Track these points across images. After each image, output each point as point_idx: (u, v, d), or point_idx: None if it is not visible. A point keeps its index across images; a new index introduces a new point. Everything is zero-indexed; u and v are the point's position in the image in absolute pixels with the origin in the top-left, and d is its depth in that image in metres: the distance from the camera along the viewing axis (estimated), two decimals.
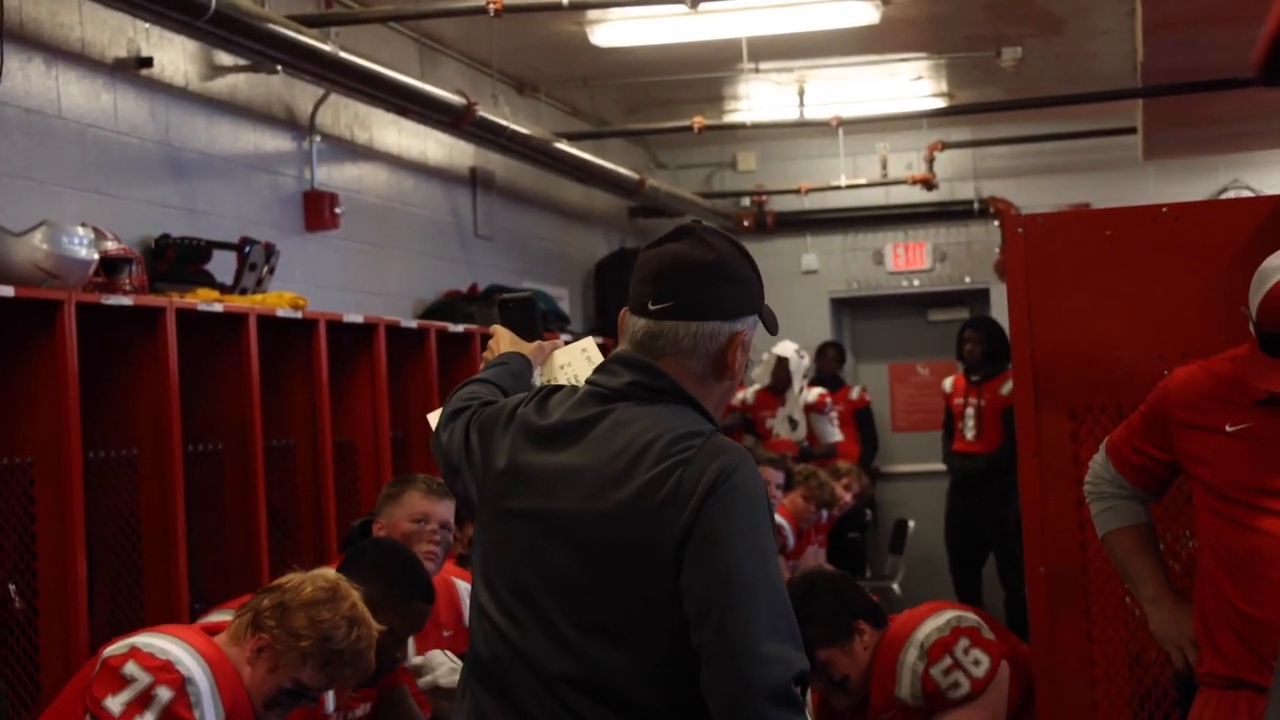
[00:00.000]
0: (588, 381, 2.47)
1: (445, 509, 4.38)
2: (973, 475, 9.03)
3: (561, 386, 2.53)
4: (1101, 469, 3.43)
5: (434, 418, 2.92)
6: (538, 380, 2.93)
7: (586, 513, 2.32)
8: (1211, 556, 3.19)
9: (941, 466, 9.44)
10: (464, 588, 4.61)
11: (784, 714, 2.20)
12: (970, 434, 9.10)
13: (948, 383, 9.54)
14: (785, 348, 9.90)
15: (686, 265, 2.38)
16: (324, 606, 3.28)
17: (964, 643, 3.76)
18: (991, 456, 8.97)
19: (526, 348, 2.93)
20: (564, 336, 7.86)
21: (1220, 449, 3.15)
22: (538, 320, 3.03)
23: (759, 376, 10.10)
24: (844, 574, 4.11)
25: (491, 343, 2.98)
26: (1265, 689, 3.05)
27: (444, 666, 3.84)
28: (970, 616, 3.86)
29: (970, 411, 9.14)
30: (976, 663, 3.76)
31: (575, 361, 2.97)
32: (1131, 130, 9.58)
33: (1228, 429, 3.13)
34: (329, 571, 3.48)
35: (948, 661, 3.75)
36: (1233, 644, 3.14)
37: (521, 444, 2.43)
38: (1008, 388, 9.12)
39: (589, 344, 3.01)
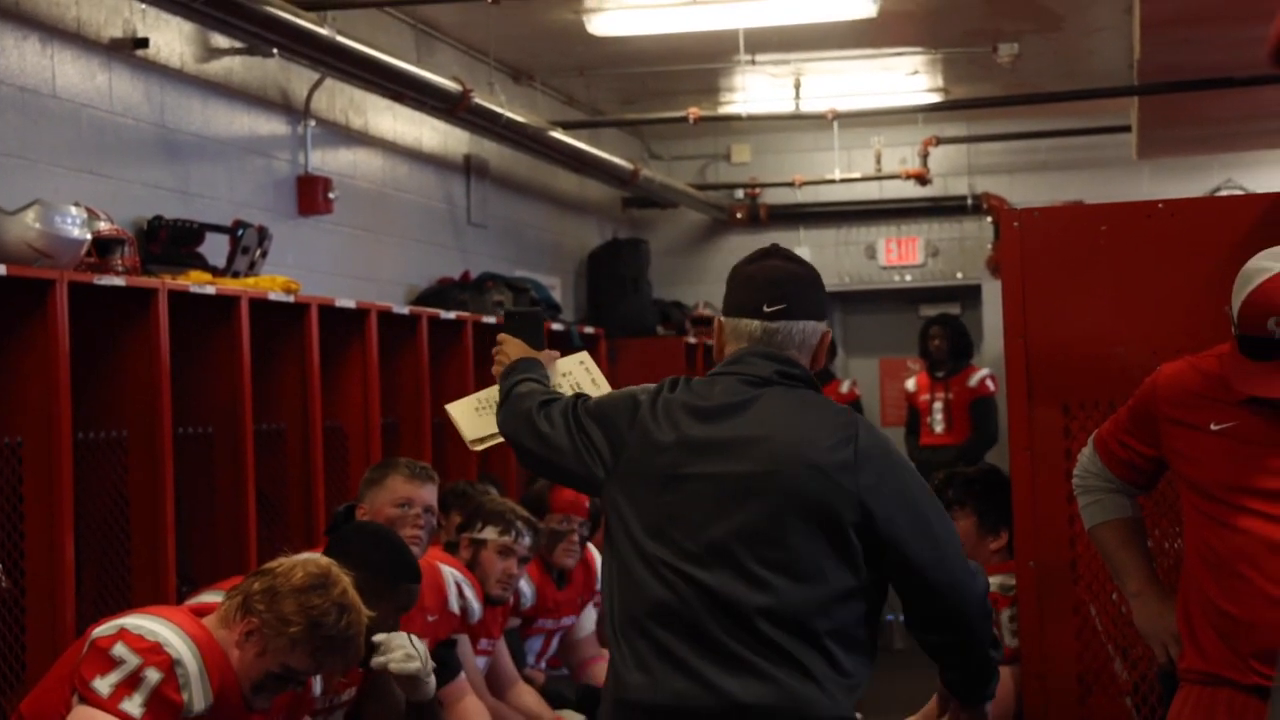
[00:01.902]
0: (730, 371, 2.92)
1: (428, 493, 4.38)
2: (946, 466, 9.21)
3: (694, 378, 2.96)
4: (1089, 462, 3.43)
5: (456, 410, 3.32)
6: None
7: (770, 473, 2.81)
8: (1195, 553, 3.20)
9: None
10: (449, 573, 4.61)
11: (988, 610, 2.95)
12: (939, 427, 9.50)
13: (910, 382, 9.90)
14: None
15: (792, 276, 2.96)
16: (315, 593, 3.27)
17: (1011, 611, 3.77)
18: (962, 447, 9.34)
19: (537, 356, 3.24)
20: (555, 326, 7.85)
21: (1205, 446, 3.14)
22: (542, 330, 3.31)
23: None
24: None
25: (505, 348, 3.26)
26: (1244, 686, 3.06)
27: (400, 651, 3.80)
28: None
29: (939, 406, 9.55)
30: (1014, 634, 3.78)
31: (575, 370, 3.33)
32: (1126, 128, 9.58)
33: (1213, 427, 3.12)
34: (320, 557, 3.47)
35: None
36: (1213, 641, 3.14)
37: (688, 421, 2.88)
38: (975, 380, 9.51)
39: (585, 356, 3.38)
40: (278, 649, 3.24)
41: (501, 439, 3.18)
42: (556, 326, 8.09)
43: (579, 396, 3.04)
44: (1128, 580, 3.39)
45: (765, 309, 2.92)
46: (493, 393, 3.26)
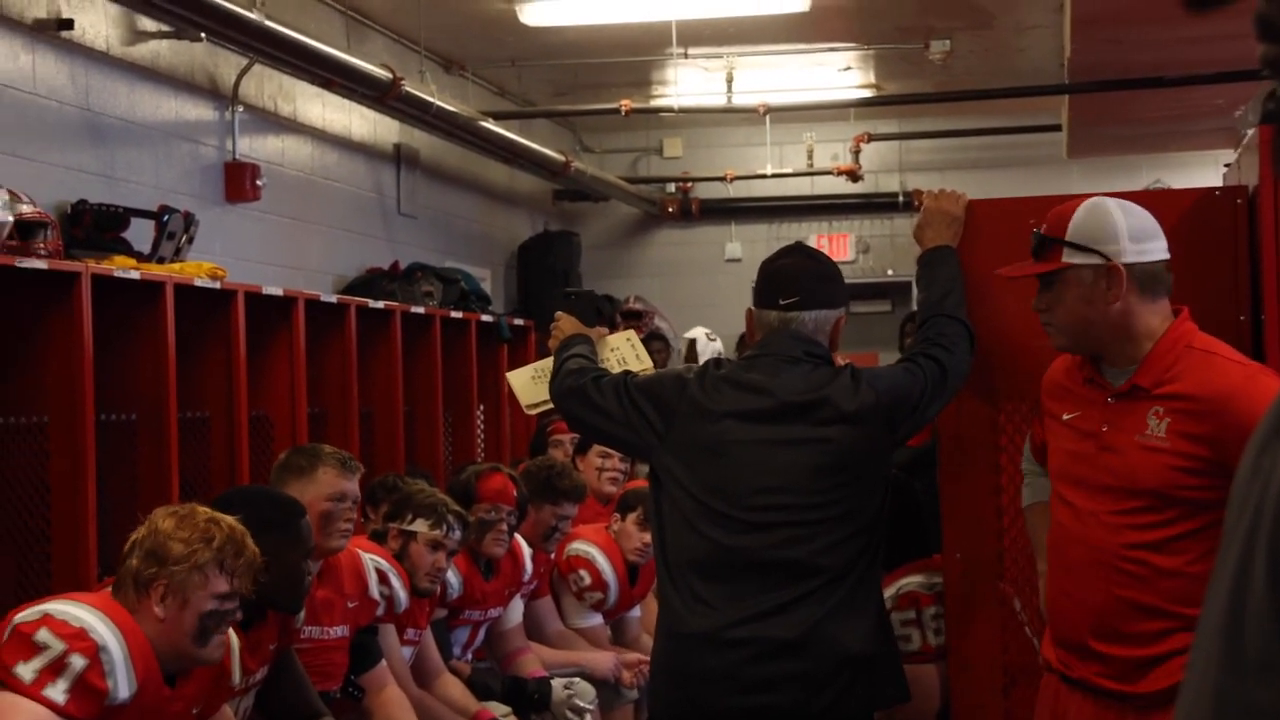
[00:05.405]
0: (765, 353, 3.37)
1: (356, 486, 4.36)
2: (901, 468, 9.13)
3: (733, 359, 3.48)
4: (1026, 446, 3.50)
5: (515, 378, 3.88)
6: None
7: (811, 434, 3.28)
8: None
9: None
10: (369, 560, 4.58)
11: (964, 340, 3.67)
12: None
13: None
14: (696, 331, 9.93)
15: (805, 271, 3.44)
16: (186, 524, 3.30)
17: (936, 609, 3.80)
18: (919, 450, 9.07)
19: (588, 332, 3.70)
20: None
21: (1056, 435, 3.21)
22: (594, 309, 3.73)
23: (676, 362, 10.11)
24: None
25: (560, 324, 3.72)
26: (1055, 670, 3.10)
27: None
28: None
29: None
30: (938, 631, 3.80)
31: (621, 346, 3.79)
32: (1057, 128, 9.66)
33: (1064, 417, 3.17)
34: (162, 508, 3.45)
35: (910, 614, 3.80)
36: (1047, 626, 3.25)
37: (735, 394, 3.33)
38: None
39: (632, 334, 3.89)
40: (195, 586, 3.24)
41: (552, 404, 3.63)
42: (486, 318, 8.06)
43: (627, 373, 3.49)
44: (1039, 561, 3.44)
45: (781, 302, 3.38)
46: (547, 363, 3.72)
